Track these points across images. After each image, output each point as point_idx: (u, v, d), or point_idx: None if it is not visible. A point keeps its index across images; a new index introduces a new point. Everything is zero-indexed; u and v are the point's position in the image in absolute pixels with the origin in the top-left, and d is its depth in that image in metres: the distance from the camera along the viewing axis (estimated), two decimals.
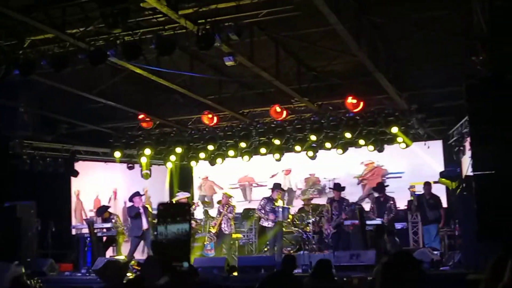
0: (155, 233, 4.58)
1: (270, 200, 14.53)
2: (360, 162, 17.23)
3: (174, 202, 15.14)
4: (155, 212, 14.82)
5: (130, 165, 18.08)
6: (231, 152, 16.30)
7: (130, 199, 15.23)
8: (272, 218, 14.30)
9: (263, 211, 14.37)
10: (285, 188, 16.74)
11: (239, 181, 19.12)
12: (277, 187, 14.81)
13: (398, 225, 14.44)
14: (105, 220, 15.36)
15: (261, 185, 18.39)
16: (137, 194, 15.58)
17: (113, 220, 15.23)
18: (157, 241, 4.64)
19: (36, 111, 14.01)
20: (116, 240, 15.27)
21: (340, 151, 15.95)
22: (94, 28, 9.60)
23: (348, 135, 14.63)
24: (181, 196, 15.39)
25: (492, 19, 7.89)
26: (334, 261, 11.98)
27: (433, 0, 9.70)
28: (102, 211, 15.66)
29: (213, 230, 15.29)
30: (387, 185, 14.52)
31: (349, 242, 14.12)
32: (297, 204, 17.57)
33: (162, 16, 9.19)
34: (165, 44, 9.31)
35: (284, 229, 15.32)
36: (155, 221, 14.32)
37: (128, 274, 10.72)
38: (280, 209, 14.39)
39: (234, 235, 15.75)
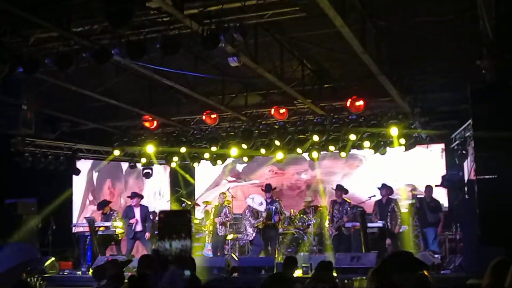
0: (159, 247, 4.58)
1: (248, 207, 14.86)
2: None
3: (174, 210, 15.23)
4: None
5: (132, 164, 18.11)
6: (233, 152, 16.31)
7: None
8: (253, 222, 14.53)
9: (247, 222, 14.60)
10: None
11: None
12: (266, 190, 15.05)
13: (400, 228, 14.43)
14: (105, 215, 15.39)
15: None
16: (134, 195, 15.64)
17: (113, 216, 15.27)
18: (161, 255, 4.66)
19: (38, 109, 13.99)
20: (115, 238, 15.30)
21: (343, 154, 15.98)
22: (99, 27, 9.60)
23: (352, 136, 14.61)
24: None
25: (497, 25, 7.89)
26: (335, 263, 12.01)
27: (439, 4, 9.68)
28: (103, 205, 15.71)
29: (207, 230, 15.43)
30: (390, 186, 14.49)
31: (350, 245, 14.14)
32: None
33: (167, 16, 9.18)
34: (170, 44, 9.30)
35: (282, 230, 15.41)
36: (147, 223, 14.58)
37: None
38: (263, 210, 14.50)
39: (228, 237, 15.82)
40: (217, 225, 15.24)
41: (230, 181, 19.61)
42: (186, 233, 4.49)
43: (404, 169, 17.09)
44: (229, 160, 18.09)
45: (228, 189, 18.12)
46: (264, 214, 14.63)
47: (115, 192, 19.14)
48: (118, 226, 15.11)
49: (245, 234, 14.99)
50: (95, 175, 18.81)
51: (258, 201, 14.86)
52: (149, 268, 6.35)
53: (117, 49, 9.60)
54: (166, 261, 4.65)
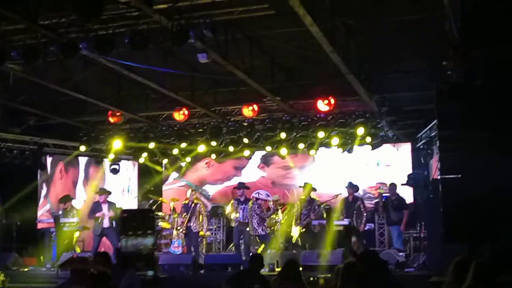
0: (120, 245, 4.54)
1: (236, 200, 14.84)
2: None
3: (138, 209, 15.09)
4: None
5: (98, 160, 17.95)
6: (201, 148, 16.25)
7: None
8: (233, 218, 14.59)
9: (256, 218, 14.43)
10: None
11: None
12: (239, 187, 15.07)
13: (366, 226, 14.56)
14: (65, 210, 15.20)
15: None
16: (102, 191, 15.48)
17: (73, 213, 15.09)
18: (122, 253, 4.60)
19: (4, 102, 13.78)
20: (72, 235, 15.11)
21: (313, 151, 16.05)
22: (67, 20, 9.50)
23: (321, 134, 14.67)
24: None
25: (463, 26, 8.01)
26: (302, 261, 12.07)
27: (407, 4, 9.78)
28: (66, 200, 15.50)
29: (180, 228, 15.26)
30: (356, 185, 14.61)
31: (316, 242, 14.23)
32: None
33: (136, 10, 9.12)
34: (139, 38, 9.25)
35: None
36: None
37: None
38: (240, 210, 14.51)
39: (201, 233, 15.74)
40: (191, 222, 15.08)
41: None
42: (149, 230, 4.45)
43: (371, 168, 17.24)
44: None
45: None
46: (272, 205, 14.70)
47: (68, 177, 18.76)
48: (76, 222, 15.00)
49: (254, 230, 14.54)
50: (49, 160, 18.40)
51: (264, 193, 14.93)
52: (105, 266, 6.23)
53: (85, 43, 9.51)
54: (127, 261, 4.59)
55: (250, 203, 14.58)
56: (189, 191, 15.69)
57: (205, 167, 19.30)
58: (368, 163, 17.19)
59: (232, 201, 14.99)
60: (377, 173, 17.27)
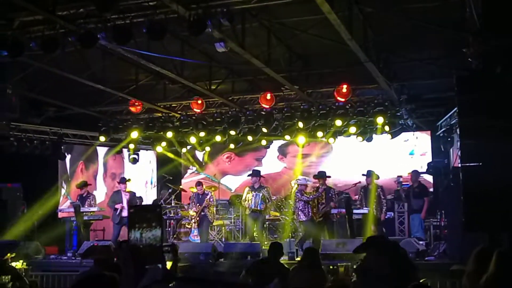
0: (130, 237, 4.50)
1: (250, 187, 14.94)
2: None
3: (145, 205, 15.22)
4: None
5: (117, 150, 18.08)
6: (218, 138, 16.28)
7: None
8: (247, 206, 14.71)
9: (300, 203, 14.33)
10: None
11: None
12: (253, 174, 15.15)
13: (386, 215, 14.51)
14: (81, 196, 15.38)
15: None
16: (123, 180, 15.62)
17: (89, 199, 15.26)
18: (131, 245, 4.57)
19: (23, 92, 13.89)
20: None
21: (331, 140, 15.98)
22: (85, 11, 9.52)
23: (338, 122, 14.55)
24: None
25: (484, 13, 7.90)
26: (321, 249, 12.10)
27: None
28: (82, 186, 15.66)
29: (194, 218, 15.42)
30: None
31: (333, 231, 14.24)
32: None
33: (154, 0, 9.12)
34: (156, 28, 9.24)
35: (269, 216, 15.50)
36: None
37: None
38: (252, 197, 14.56)
39: (216, 222, 15.88)
40: (202, 212, 15.23)
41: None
42: (157, 226, 4.43)
43: (390, 156, 17.16)
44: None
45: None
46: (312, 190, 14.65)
47: (89, 174, 19.00)
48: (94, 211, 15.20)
49: (298, 215, 14.37)
50: (67, 157, 18.64)
51: (302, 178, 14.90)
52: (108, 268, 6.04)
53: (103, 34, 9.53)
54: (134, 254, 4.54)
55: (264, 190, 14.67)
56: (197, 182, 15.82)
57: (226, 161, 19.35)
58: (387, 152, 17.10)
59: (246, 189, 15.06)
60: (396, 161, 17.18)
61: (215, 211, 15.82)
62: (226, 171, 19.44)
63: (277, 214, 16.12)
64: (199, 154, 19.40)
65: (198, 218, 15.33)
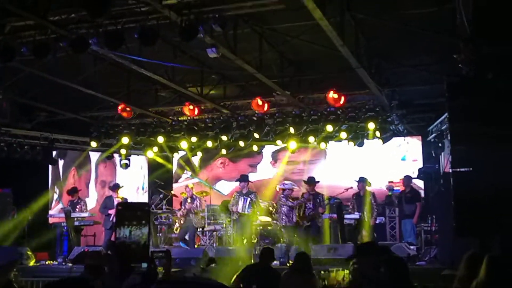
0: (117, 235, 4.47)
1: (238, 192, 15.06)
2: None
3: (133, 202, 15.18)
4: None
5: (109, 155, 18.01)
6: (209, 143, 16.26)
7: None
8: (234, 210, 14.76)
9: (284, 207, 14.47)
10: None
11: None
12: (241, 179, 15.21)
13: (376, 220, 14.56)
14: (72, 202, 15.38)
15: None
16: (116, 186, 15.59)
17: (79, 205, 15.25)
18: (119, 242, 4.52)
19: (14, 98, 13.85)
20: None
21: (323, 144, 15.99)
22: (77, 16, 9.50)
23: (329, 127, 14.59)
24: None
25: (475, 19, 7.96)
26: (312, 255, 12.09)
27: None
28: (73, 192, 15.65)
29: (178, 223, 15.45)
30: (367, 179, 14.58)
31: (319, 235, 14.25)
32: None
33: (146, 5, 9.13)
34: (148, 34, 9.23)
35: (258, 222, 15.48)
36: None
37: None
38: (240, 202, 14.65)
39: (207, 227, 15.88)
40: (189, 215, 15.26)
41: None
42: (144, 223, 4.39)
43: (382, 162, 17.19)
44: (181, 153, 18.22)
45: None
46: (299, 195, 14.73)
47: (81, 180, 18.96)
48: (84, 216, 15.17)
49: (281, 220, 14.56)
50: (60, 163, 18.60)
51: (289, 183, 14.94)
52: (98, 274, 6.05)
53: (95, 39, 9.52)
54: (120, 251, 4.49)
55: (252, 195, 14.79)
56: (189, 186, 15.81)
57: (220, 167, 19.34)
58: (378, 157, 17.13)
59: (234, 194, 15.12)
60: (387, 167, 17.21)
61: (206, 217, 15.77)
62: (220, 177, 19.41)
63: (269, 219, 16.09)
64: (195, 160, 19.36)
65: (182, 222, 15.38)
